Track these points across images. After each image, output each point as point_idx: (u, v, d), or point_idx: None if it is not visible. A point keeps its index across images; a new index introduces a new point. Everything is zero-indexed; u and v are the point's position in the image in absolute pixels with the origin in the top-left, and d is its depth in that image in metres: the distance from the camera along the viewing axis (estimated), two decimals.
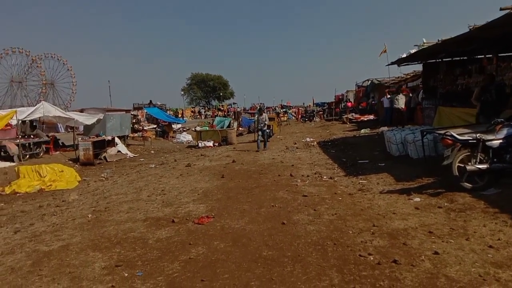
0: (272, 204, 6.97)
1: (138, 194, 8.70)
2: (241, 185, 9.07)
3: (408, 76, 23.09)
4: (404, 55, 14.63)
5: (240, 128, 30.62)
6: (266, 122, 16.71)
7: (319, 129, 26.45)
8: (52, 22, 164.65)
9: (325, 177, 9.22)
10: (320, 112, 40.91)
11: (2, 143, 15.37)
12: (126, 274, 4.24)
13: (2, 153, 15.20)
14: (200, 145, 21.30)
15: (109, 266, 4.49)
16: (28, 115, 16.20)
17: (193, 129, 31.54)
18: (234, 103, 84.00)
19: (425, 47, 12.56)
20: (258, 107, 17.09)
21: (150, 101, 42.46)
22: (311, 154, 13.50)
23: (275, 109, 58.51)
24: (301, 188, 8.11)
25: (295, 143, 17.49)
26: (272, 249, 4.76)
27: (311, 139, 18.63)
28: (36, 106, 17.09)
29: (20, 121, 16.45)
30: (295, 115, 48.31)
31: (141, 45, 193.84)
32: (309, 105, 62.47)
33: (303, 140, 18.51)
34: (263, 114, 16.99)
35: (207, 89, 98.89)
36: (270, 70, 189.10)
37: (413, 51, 13.62)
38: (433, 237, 4.73)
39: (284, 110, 53.27)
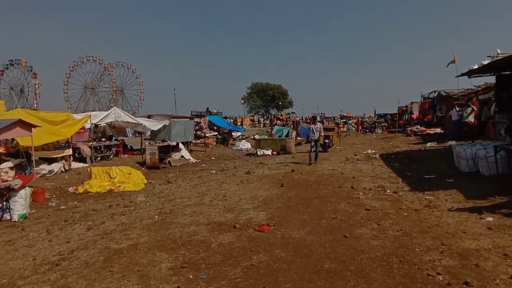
0: (333, 216, 6.86)
1: (201, 199, 8.95)
2: (301, 194, 9.02)
3: (479, 88, 21.77)
4: (476, 66, 13.84)
5: (299, 138, 30.52)
6: (320, 133, 15.30)
7: (381, 141, 25.66)
8: (123, 33, 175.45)
9: (388, 191, 8.91)
10: (384, 124, 39.70)
11: (76, 145, 16.55)
12: (191, 276, 4.37)
13: (76, 155, 16.33)
14: (258, 153, 21.50)
15: (175, 267, 4.65)
16: (101, 119, 17.32)
17: (252, 137, 31.94)
18: (292, 113, 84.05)
19: (499, 58, 11.80)
20: (312, 116, 15.34)
21: (207, 108, 43.55)
22: (373, 167, 13.12)
23: (334, 119, 57.66)
24: (363, 201, 7.90)
25: (356, 155, 17.09)
26: (334, 262, 4.68)
27: (373, 151, 18.11)
28: (108, 111, 18.23)
29: (93, 125, 17.61)
30: (355, 126, 47.34)
31: (205, 55, 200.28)
32: (370, 115, 60.84)
33: (364, 152, 18.05)
34: (317, 123, 15.71)
35: (267, 98, 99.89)
36: (330, 79, 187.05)
37: (485, 62, 12.84)
38: (508, 260, 4.41)
39: (344, 120, 52.37)
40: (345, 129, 40.11)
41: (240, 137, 31.87)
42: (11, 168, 9.53)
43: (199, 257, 4.99)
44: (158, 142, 18.85)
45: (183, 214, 7.46)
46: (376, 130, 37.37)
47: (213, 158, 21.78)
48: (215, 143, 27.03)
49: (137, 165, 17.29)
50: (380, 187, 9.35)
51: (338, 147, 22.34)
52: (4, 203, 8.96)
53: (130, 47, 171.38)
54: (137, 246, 5.53)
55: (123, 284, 4.21)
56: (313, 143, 15.12)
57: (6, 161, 12.03)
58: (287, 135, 25.42)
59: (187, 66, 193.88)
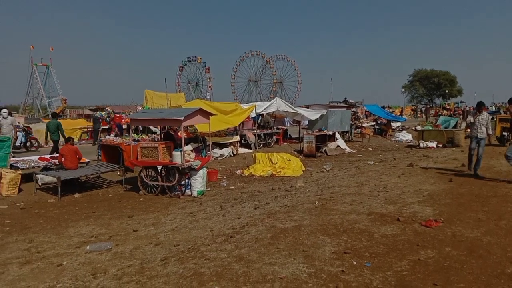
0: None
1: (360, 188, 8.83)
2: (474, 192, 8.12)
3: None
4: None
5: (468, 130, 27.31)
6: (487, 127, 10.24)
7: None
8: (282, 25, 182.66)
9: None
10: None
11: (243, 132, 18.07)
12: (355, 262, 4.39)
13: (242, 141, 17.84)
14: (421, 145, 20.02)
15: (338, 252, 4.74)
16: (264, 109, 18.52)
17: (413, 128, 29.87)
18: (461, 102, 75.37)
19: None
20: (478, 104, 9.16)
21: (345, 98, 41.79)
22: None
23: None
24: None
25: None
26: None
27: None
28: (270, 102, 19.36)
29: (257, 114, 18.94)
30: None
31: (365, 43, 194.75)
32: None
33: None
34: (483, 112, 10.47)
35: (431, 86, 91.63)
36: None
37: None
38: None
39: None
40: None
41: (400, 127, 30.14)
42: (192, 151, 10.95)
43: (362, 245, 4.96)
44: (315, 131, 19.20)
45: (343, 202, 7.49)
46: None
47: (370, 148, 21.18)
48: (372, 133, 26.19)
49: (295, 152, 17.97)
50: None
51: None
52: (187, 180, 10.40)
53: (290, 39, 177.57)
54: (300, 227, 5.79)
55: (289, 261, 4.48)
56: (474, 143, 10.41)
57: (187, 144, 13.90)
58: (454, 126, 22.97)
59: (344, 54, 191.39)
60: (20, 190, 10.23)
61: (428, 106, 61.21)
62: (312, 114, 20.40)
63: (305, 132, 19.38)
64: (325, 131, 19.39)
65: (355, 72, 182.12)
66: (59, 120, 15.12)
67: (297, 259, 4.54)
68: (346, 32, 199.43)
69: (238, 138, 17.09)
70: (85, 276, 4.64)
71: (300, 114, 20.23)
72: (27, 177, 10.67)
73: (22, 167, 10.77)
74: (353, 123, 24.02)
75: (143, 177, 10.58)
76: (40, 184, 10.68)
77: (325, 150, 18.40)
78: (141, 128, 18.10)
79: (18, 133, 15.87)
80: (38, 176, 10.62)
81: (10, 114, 13.89)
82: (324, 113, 20.58)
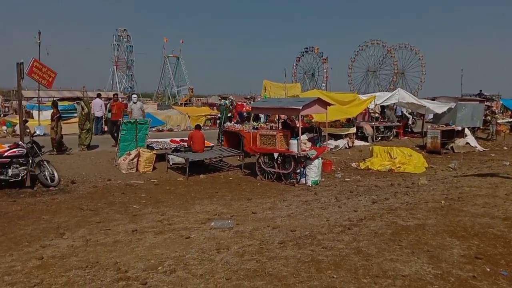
0: None
1: (494, 190, 7.94)
2: None
3: None
4: None
5: None
6: None
7: None
8: (408, 13, 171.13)
9: None
10: None
11: (360, 124, 17.54)
12: (488, 269, 3.99)
13: (359, 133, 17.32)
14: None
15: (468, 256, 4.35)
16: (385, 100, 17.69)
17: None
18: None
19: None
20: None
21: (480, 91, 36.85)
22: None
23: None
24: None
25: None
26: None
27: None
28: (392, 93, 18.40)
29: (376, 105, 18.16)
30: None
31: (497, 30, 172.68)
32: None
33: None
34: None
35: None
36: None
37: None
38: None
39: None
40: None
41: None
42: (308, 140, 11.02)
43: (497, 252, 4.48)
44: (441, 126, 17.73)
45: (473, 203, 6.82)
46: None
47: (505, 148, 18.81)
48: (508, 131, 23.23)
49: (416, 148, 16.83)
50: None
51: None
52: (302, 169, 10.51)
53: (415, 26, 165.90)
54: (424, 226, 5.45)
55: (412, 260, 4.26)
56: None
57: (303, 134, 14.01)
58: None
59: (479, 44, 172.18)
60: (154, 168, 11.44)
61: None
62: (438, 107, 18.86)
63: (429, 126, 18.03)
64: (453, 126, 17.77)
65: (491, 62, 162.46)
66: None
67: (421, 259, 4.30)
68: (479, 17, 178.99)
69: (355, 129, 16.64)
70: (210, 250, 5.02)
71: (425, 106, 18.84)
72: (160, 157, 11.87)
73: (156, 148, 12.05)
74: (489, 118, 21.52)
75: (261, 163, 10.99)
76: (171, 164, 11.80)
77: (451, 147, 16.88)
78: (262, 117, 18.80)
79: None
80: (170, 156, 11.74)
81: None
82: (452, 106, 18.86)
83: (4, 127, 18.27)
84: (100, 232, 6.05)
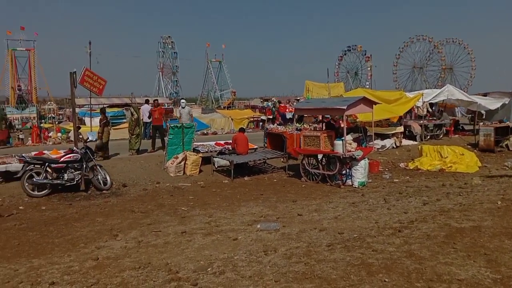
0: None
1: None
2: None
3: None
4: None
5: None
6: None
7: None
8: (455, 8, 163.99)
9: None
10: None
11: (407, 123, 17.01)
12: None
13: (406, 132, 16.80)
14: None
15: None
16: (433, 97, 17.04)
17: None
18: None
19: None
20: None
21: None
22: None
23: None
24: None
25: None
26: None
27: None
28: (441, 89, 17.67)
29: (424, 103, 17.53)
30: None
31: None
32: None
33: None
34: None
35: None
36: None
37: None
38: None
39: None
40: None
41: None
42: (353, 141, 10.84)
43: None
44: (495, 123, 16.81)
45: None
46: None
47: None
48: None
49: (468, 146, 16.09)
50: None
51: None
52: (347, 170, 10.35)
53: (463, 20, 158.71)
54: (480, 228, 5.19)
55: (468, 263, 4.08)
56: None
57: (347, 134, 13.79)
58: None
59: None
60: (200, 171, 11.69)
61: None
62: (491, 103, 17.92)
63: (481, 123, 17.17)
64: (508, 122, 16.81)
65: None
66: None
67: (478, 262, 4.10)
68: None
69: (402, 129, 16.15)
70: (257, 252, 5.05)
71: (476, 103, 17.96)
72: (206, 160, 12.09)
73: (202, 151, 12.31)
74: None
75: (305, 164, 10.93)
76: (216, 166, 12.01)
77: (506, 145, 15.99)
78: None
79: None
80: (215, 159, 11.95)
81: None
82: (506, 102, 17.87)
83: (59, 134, 19.36)
84: (151, 233, 6.26)
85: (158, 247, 5.51)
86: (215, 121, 24.16)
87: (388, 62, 75.22)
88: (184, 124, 12.36)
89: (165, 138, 13.31)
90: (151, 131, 15.11)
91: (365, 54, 72.34)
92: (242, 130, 12.89)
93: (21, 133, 18.37)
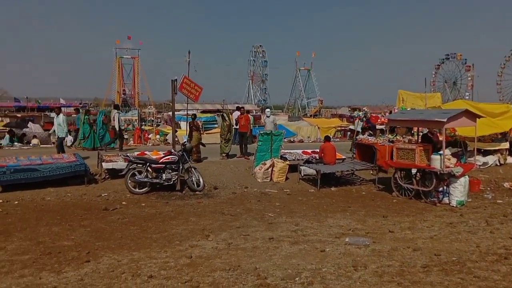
0: None
1: None
2: None
3: None
4: None
5: None
6: None
7: None
8: None
9: None
10: None
11: None
12: None
13: None
14: None
15: None
16: None
17: None
18: None
19: None
20: None
21: None
22: None
23: None
24: None
25: None
26: None
27: None
28: None
29: None
30: None
31: None
32: None
33: None
34: None
35: None
36: None
37: None
38: None
39: None
40: None
41: None
42: (452, 156, 10.08)
43: None
44: None
45: None
46: None
47: None
48: None
49: None
50: None
51: None
52: (445, 187, 9.65)
53: None
54: None
55: None
56: None
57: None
58: None
59: None
60: (286, 178, 11.74)
61: None
62: None
63: None
64: None
65: None
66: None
67: None
68: None
69: (507, 145, 14.63)
70: (346, 267, 4.94)
71: None
72: (292, 168, 12.13)
73: (289, 159, 12.37)
74: None
75: (398, 178, 10.41)
76: (302, 175, 11.97)
77: None
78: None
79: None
80: (302, 167, 11.92)
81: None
82: None
83: (158, 136, 20.84)
84: (240, 236, 6.45)
85: (247, 251, 5.64)
86: (301, 129, 24.19)
87: (492, 72, 68.68)
88: (273, 132, 12.54)
89: (248, 145, 13.76)
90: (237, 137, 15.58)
91: (466, 63, 67.16)
92: (327, 138, 12.65)
93: (126, 133, 20.08)
